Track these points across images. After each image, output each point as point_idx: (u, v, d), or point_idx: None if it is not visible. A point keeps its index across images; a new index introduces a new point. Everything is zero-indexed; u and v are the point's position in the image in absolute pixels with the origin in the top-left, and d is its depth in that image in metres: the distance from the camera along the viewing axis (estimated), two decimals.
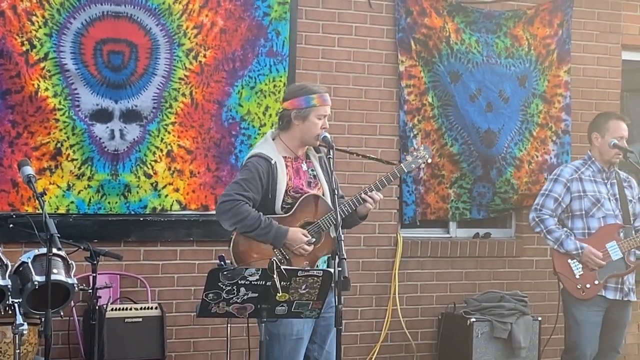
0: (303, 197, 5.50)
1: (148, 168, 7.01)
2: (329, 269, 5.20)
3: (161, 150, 7.04)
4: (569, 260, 6.57)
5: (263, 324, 5.16)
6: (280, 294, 5.10)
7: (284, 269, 5.05)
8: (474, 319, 7.47)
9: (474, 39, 7.90)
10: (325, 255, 5.50)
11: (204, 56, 7.10)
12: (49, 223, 5.15)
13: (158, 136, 7.03)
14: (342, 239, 5.19)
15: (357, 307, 7.63)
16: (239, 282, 5.04)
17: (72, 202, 6.85)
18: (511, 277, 8.14)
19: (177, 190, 7.04)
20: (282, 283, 5.07)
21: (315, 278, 5.15)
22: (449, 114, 7.86)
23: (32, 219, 5.81)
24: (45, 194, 6.61)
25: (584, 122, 8.07)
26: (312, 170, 5.63)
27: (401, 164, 5.70)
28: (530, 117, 8.09)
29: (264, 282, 5.07)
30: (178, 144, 7.07)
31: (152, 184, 7.04)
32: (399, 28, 7.67)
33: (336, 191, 5.37)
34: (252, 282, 5.06)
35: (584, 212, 6.62)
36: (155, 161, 7.03)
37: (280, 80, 7.31)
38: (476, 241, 8.04)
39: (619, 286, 6.57)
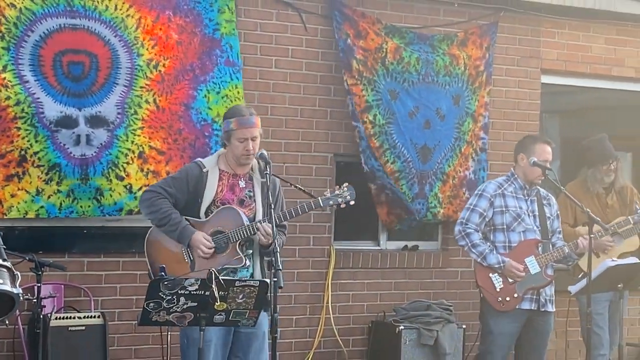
0: (221, 208, 5.64)
1: (120, 170, 6.93)
2: (265, 280, 5.22)
3: (133, 152, 6.97)
4: (490, 274, 6.61)
5: (202, 332, 5.16)
6: (219, 303, 5.09)
7: (222, 279, 5.06)
8: (403, 327, 7.50)
9: (414, 56, 7.90)
10: (229, 265, 5.58)
11: (164, 66, 7.06)
12: None
13: (127, 139, 6.95)
14: (278, 250, 5.23)
15: (292, 316, 7.62)
16: (179, 291, 5.03)
17: (42, 207, 6.73)
18: (437, 287, 8.19)
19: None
20: (220, 293, 5.06)
21: (252, 288, 5.15)
22: (392, 132, 7.84)
23: None
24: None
25: (506, 142, 8.21)
26: (250, 191, 5.72)
27: (319, 198, 5.76)
28: (462, 135, 8.14)
29: (202, 292, 5.06)
30: (149, 145, 7.01)
31: (125, 186, 6.94)
32: (340, 49, 7.68)
33: (272, 210, 5.41)
34: (192, 292, 5.05)
35: (505, 226, 6.68)
36: (127, 163, 6.95)
37: (239, 88, 7.30)
38: (405, 253, 8.09)
39: (535, 297, 6.62)
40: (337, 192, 5.77)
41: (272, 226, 5.36)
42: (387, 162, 7.85)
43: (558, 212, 6.92)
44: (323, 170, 7.75)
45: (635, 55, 8.89)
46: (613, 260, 6.63)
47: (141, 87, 6.98)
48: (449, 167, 8.10)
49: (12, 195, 6.63)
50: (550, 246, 6.71)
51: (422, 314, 7.60)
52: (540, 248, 6.66)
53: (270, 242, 5.47)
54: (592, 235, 6.48)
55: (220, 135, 5.93)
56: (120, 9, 6.93)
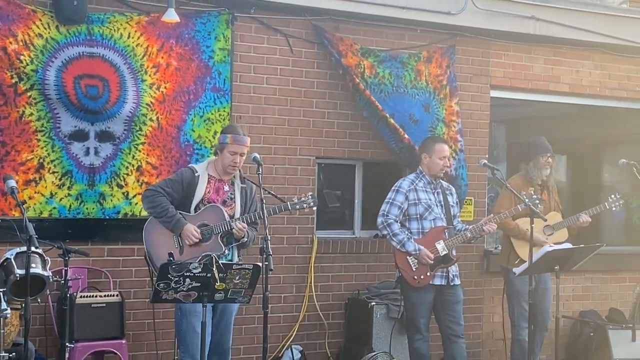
0: (208, 206, 5.87)
1: (120, 180, 6.94)
2: (257, 264, 5.24)
3: (132, 166, 6.97)
4: (407, 257, 6.68)
5: (204, 307, 5.18)
6: (219, 283, 5.11)
7: (221, 263, 5.09)
8: (374, 303, 7.51)
9: (387, 72, 7.89)
10: (210, 252, 5.63)
11: (165, 88, 7.05)
12: (28, 226, 5.11)
13: (130, 153, 6.95)
14: (269, 238, 5.34)
15: (280, 294, 7.62)
16: (185, 274, 5.04)
17: (54, 208, 6.74)
18: None
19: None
20: (220, 274, 5.08)
21: (247, 271, 5.18)
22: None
23: (14, 223, 5.72)
24: (26, 203, 6.55)
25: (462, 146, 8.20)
26: (232, 194, 5.95)
27: (288, 203, 5.98)
28: None
29: (205, 274, 5.07)
30: (147, 160, 7.01)
31: (123, 193, 6.95)
32: (335, 63, 7.70)
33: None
34: (196, 274, 5.06)
35: (418, 216, 6.74)
36: (127, 174, 6.96)
37: (225, 111, 7.29)
38: (376, 240, 8.08)
39: (444, 274, 6.72)
40: (302, 198, 5.99)
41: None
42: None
43: (457, 200, 7.03)
44: (306, 170, 7.76)
45: (569, 74, 8.90)
46: (550, 246, 6.67)
47: (147, 105, 6.97)
48: None
49: (30, 197, 6.64)
50: (454, 231, 6.80)
51: (390, 292, 7.61)
52: (446, 233, 6.75)
53: (242, 235, 5.79)
54: (532, 225, 6.52)
55: (215, 145, 6.15)
56: (132, 37, 6.93)
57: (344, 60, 7.69)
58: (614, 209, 7.60)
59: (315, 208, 6.09)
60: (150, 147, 7.01)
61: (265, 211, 5.63)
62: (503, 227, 7.19)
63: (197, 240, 5.76)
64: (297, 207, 5.97)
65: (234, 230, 5.77)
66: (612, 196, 7.62)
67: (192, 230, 5.75)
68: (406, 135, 7.77)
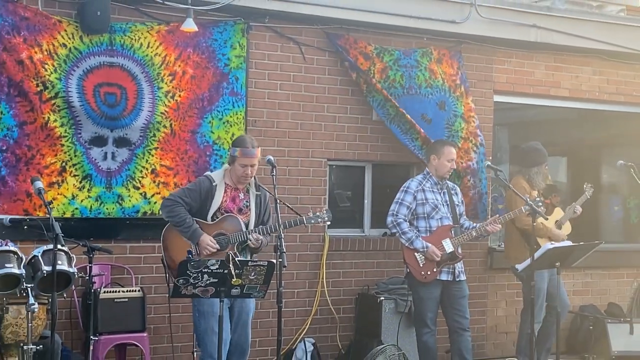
0: (226, 215, 5.81)
1: (136, 182, 6.94)
2: (272, 261, 5.25)
3: (146, 169, 6.97)
4: (415, 254, 6.70)
5: (221, 302, 5.19)
6: (235, 279, 5.12)
7: (237, 260, 5.10)
8: (383, 298, 7.50)
9: (399, 74, 7.85)
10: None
11: (179, 96, 7.05)
12: (55, 225, 5.12)
13: (143, 158, 6.96)
14: (283, 237, 5.37)
15: (294, 289, 7.62)
16: (203, 270, 5.05)
17: (76, 209, 6.76)
18: None
19: (164, 197, 6.97)
20: (236, 271, 5.09)
21: (262, 267, 5.18)
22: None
23: (41, 222, 5.75)
24: (52, 203, 6.57)
25: None
26: (247, 202, 5.92)
27: (303, 217, 5.96)
28: (455, 133, 8.01)
29: (222, 270, 5.08)
30: (160, 163, 7.01)
31: (140, 194, 6.95)
32: (351, 66, 7.69)
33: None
34: (213, 271, 5.07)
35: (426, 215, 6.76)
36: (142, 177, 6.96)
37: (241, 114, 7.30)
38: (385, 238, 8.08)
39: (450, 270, 6.74)
40: (317, 213, 5.99)
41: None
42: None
43: (462, 199, 7.05)
44: (318, 172, 7.76)
45: (569, 79, 8.88)
46: (552, 244, 6.65)
47: (161, 113, 6.98)
48: None
49: (54, 199, 6.65)
50: (460, 230, 6.81)
51: (398, 287, 7.59)
52: (453, 231, 6.76)
53: (257, 246, 5.77)
54: (534, 224, 6.52)
55: (227, 156, 6.20)
56: (151, 47, 6.94)
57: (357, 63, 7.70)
58: (589, 196, 7.63)
59: (329, 222, 6.10)
60: (162, 151, 7.01)
61: (279, 215, 5.63)
62: (529, 226, 7.03)
63: (215, 251, 5.70)
64: (312, 221, 5.98)
65: (249, 242, 5.76)
66: (586, 185, 7.68)
67: (208, 241, 5.70)
68: (422, 130, 7.74)
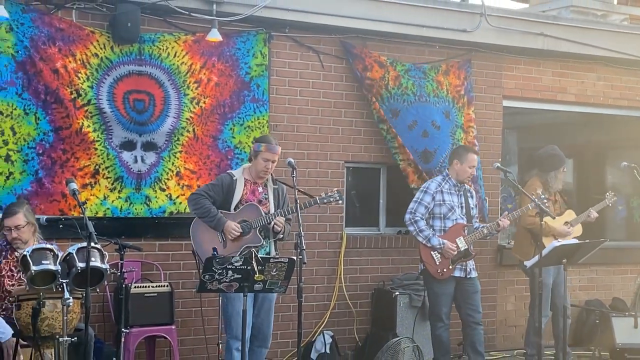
0: (246, 204, 6.01)
1: (162, 184, 6.96)
2: (292, 257, 5.25)
3: (172, 171, 6.99)
4: (432, 252, 6.68)
5: (245, 297, 5.19)
6: (258, 275, 5.11)
7: (260, 257, 5.10)
8: (398, 293, 7.48)
9: (410, 82, 7.85)
10: (251, 244, 5.89)
11: (204, 102, 7.07)
12: (88, 224, 5.14)
13: (169, 161, 6.98)
14: (302, 235, 5.40)
15: (313, 285, 7.61)
16: (228, 267, 5.05)
17: (108, 209, 6.78)
18: None
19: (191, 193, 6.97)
20: (258, 267, 5.09)
21: (283, 264, 5.18)
22: (396, 140, 7.75)
23: (76, 222, 5.77)
24: (85, 203, 6.60)
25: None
26: (266, 195, 6.09)
27: (316, 197, 6.14)
28: (456, 142, 8.00)
29: (245, 267, 5.08)
30: (184, 167, 7.03)
31: (166, 195, 6.97)
32: (357, 79, 7.68)
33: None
34: (237, 267, 5.07)
35: (442, 215, 6.74)
36: (168, 179, 6.98)
37: (263, 119, 7.29)
38: (399, 236, 8.06)
39: (463, 267, 6.72)
40: (329, 193, 6.13)
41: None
42: (396, 160, 7.81)
43: (476, 202, 7.03)
44: (336, 173, 7.74)
45: (575, 85, 8.83)
46: (558, 241, 6.62)
47: (186, 119, 6.99)
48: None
49: (87, 200, 6.68)
50: (473, 229, 6.77)
51: (412, 283, 7.57)
52: (466, 230, 6.73)
53: (280, 229, 5.91)
54: (542, 223, 6.46)
55: (250, 151, 6.30)
56: (178, 56, 6.95)
57: (369, 74, 7.67)
58: (609, 204, 7.57)
59: (341, 202, 6.21)
60: (187, 155, 7.02)
61: (299, 214, 5.70)
62: (532, 225, 6.94)
63: (238, 234, 5.88)
64: (325, 200, 6.11)
65: (273, 223, 5.89)
66: (608, 194, 7.62)
67: (233, 225, 5.89)
68: (411, 155, 7.73)
